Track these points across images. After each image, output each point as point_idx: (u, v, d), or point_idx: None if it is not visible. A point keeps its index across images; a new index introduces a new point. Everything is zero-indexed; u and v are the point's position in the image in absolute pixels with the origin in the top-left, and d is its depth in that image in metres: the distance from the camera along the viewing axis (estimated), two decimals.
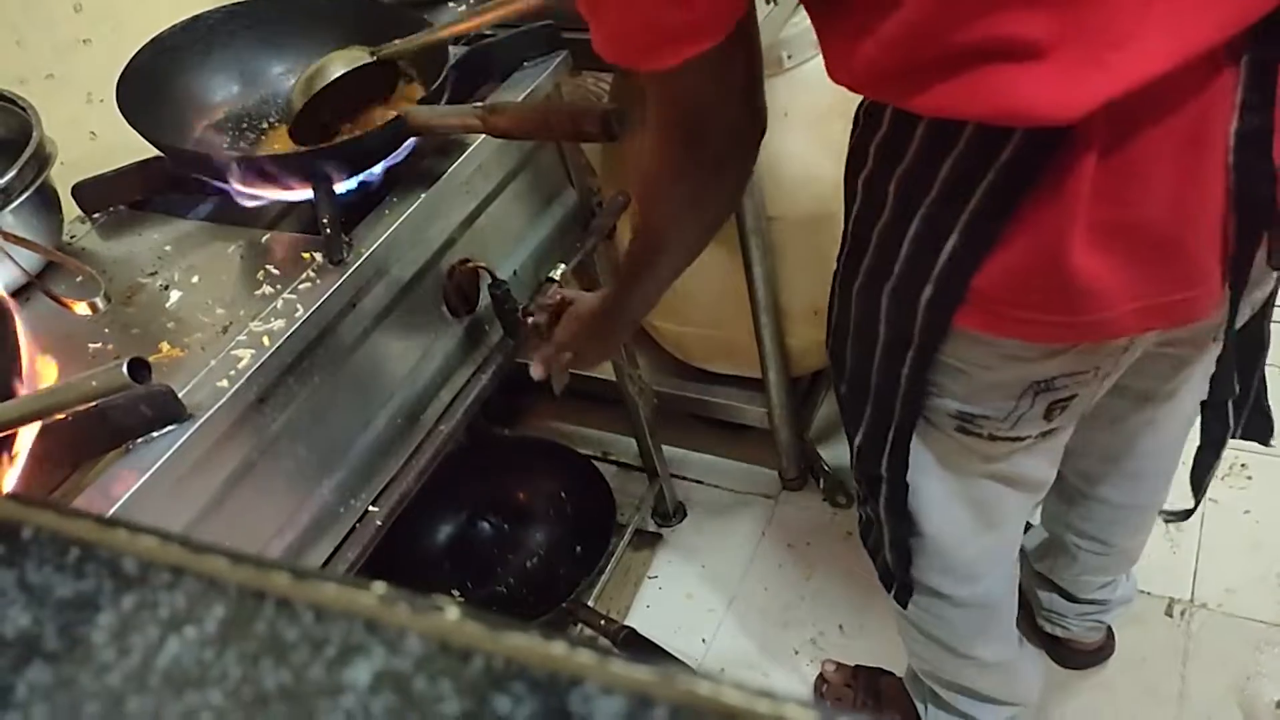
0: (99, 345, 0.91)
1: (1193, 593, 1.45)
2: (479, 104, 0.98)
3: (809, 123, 1.34)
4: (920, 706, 1.30)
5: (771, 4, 1.16)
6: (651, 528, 1.70)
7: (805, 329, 1.51)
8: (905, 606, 1.07)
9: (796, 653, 1.50)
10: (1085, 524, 1.20)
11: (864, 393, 0.89)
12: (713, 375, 1.66)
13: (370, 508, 0.99)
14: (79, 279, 0.96)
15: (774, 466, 1.71)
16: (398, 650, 0.17)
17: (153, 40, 1.07)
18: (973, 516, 0.97)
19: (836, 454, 1.73)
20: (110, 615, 0.19)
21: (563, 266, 1.13)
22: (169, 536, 0.19)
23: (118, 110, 0.98)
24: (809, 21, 1.31)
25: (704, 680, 0.14)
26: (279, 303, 0.89)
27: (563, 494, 1.63)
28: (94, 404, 0.67)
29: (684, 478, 1.76)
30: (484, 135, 1.03)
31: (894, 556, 1.02)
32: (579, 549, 1.56)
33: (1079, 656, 1.39)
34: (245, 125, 1.13)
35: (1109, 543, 1.21)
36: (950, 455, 0.91)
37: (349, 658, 0.17)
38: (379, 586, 0.18)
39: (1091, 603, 1.31)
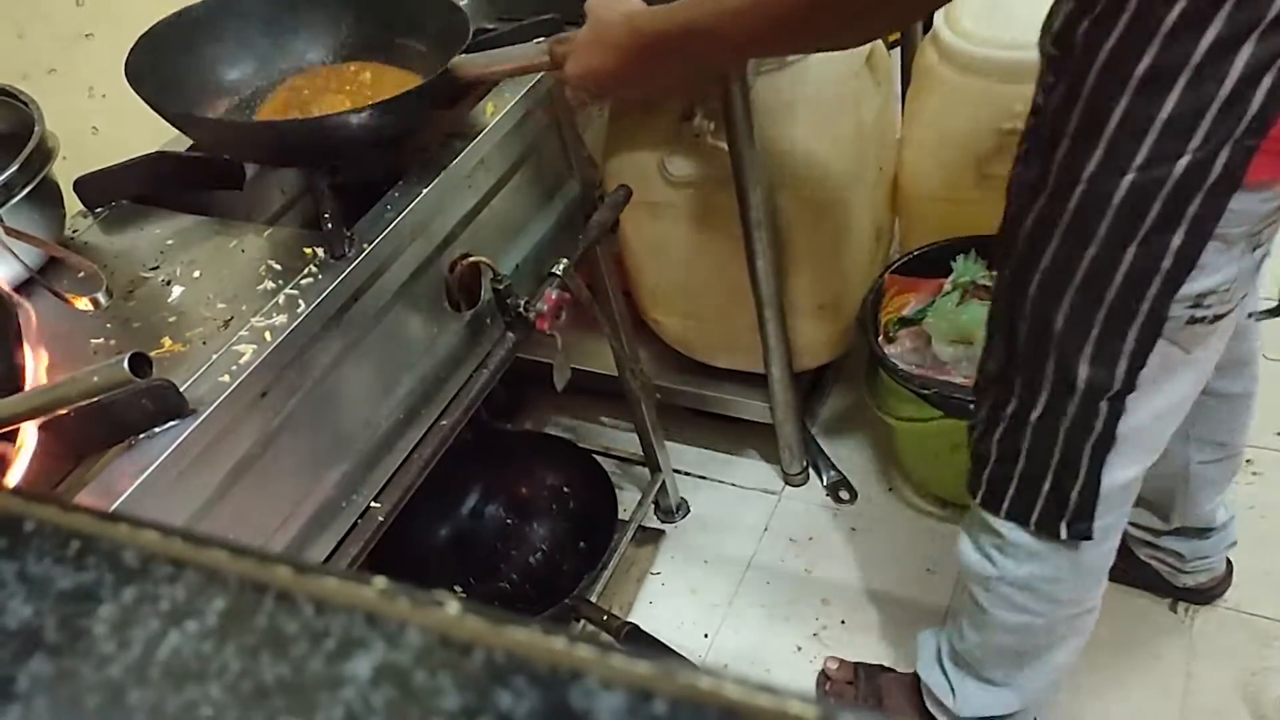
0: (101, 340, 0.91)
1: None
2: (543, 39, 0.96)
3: (815, 115, 1.33)
4: (947, 691, 1.28)
5: None
6: (654, 523, 1.70)
7: (809, 323, 1.51)
8: (1091, 536, 1.04)
9: (799, 648, 1.50)
10: (1203, 428, 1.22)
11: (1089, 315, 0.85)
12: (716, 370, 1.66)
13: (373, 503, 0.99)
14: (81, 274, 0.96)
15: (777, 462, 1.71)
16: (398, 644, 0.16)
17: (166, 19, 1.05)
18: (1161, 432, 0.97)
19: (840, 449, 1.73)
20: (111, 607, 0.19)
21: (565, 261, 1.13)
22: (170, 530, 0.19)
23: (125, 95, 0.97)
24: None
25: (705, 675, 0.14)
26: (281, 298, 0.89)
27: (565, 489, 1.63)
28: (96, 399, 0.67)
29: (687, 473, 1.76)
30: (490, 126, 1.03)
31: (1087, 484, 0.99)
32: (582, 544, 1.56)
33: (1210, 592, 1.43)
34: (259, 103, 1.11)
35: (1225, 443, 1.24)
36: (1168, 360, 0.89)
37: (349, 651, 0.17)
38: (380, 580, 0.17)
39: (1221, 528, 1.35)
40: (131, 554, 0.19)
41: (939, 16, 1.53)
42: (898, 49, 1.92)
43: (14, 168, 0.92)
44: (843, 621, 1.51)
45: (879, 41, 1.50)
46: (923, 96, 1.55)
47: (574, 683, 0.15)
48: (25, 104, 0.99)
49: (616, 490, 1.56)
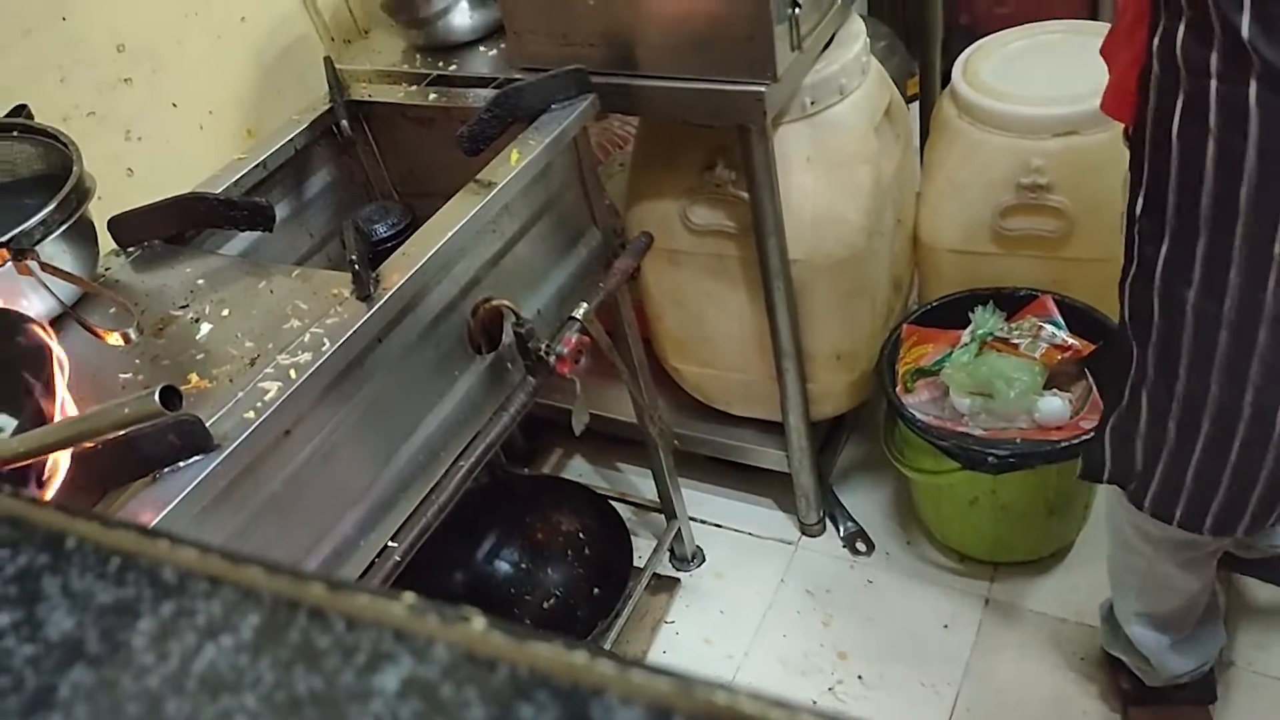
0: (129, 375, 0.92)
1: (1221, 651, 1.42)
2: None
3: (832, 167, 1.35)
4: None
5: (796, 50, 1.18)
6: (669, 571, 1.69)
7: (826, 372, 1.52)
8: None
9: (814, 702, 1.48)
10: None
11: None
12: (733, 418, 1.66)
13: (389, 543, 0.99)
14: (112, 310, 0.98)
15: (793, 511, 1.70)
16: (425, 658, 0.17)
17: None
18: None
19: (857, 500, 1.72)
20: (150, 621, 0.19)
21: (586, 305, 1.14)
22: (208, 548, 0.20)
23: (160, 138, 0.99)
24: (832, 69, 1.33)
25: (721, 690, 0.15)
26: (306, 336, 0.90)
27: (581, 535, 1.63)
28: (124, 432, 0.68)
29: (703, 521, 1.75)
30: (514, 173, 1.06)
31: None
32: (596, 591, 1.55)
33: None
34: None
35: None
36: None
37: (378, 665, 0.17)
38: (408, 597, 0.18)
39: None
40: (170, 571, 0.20)
41: (957, 70, 1.55)
42: (916, 103, 1.95)
43: (51, 206, 0.95)
44: (860, 677, 1.50)
45: (897, 94, 1.52)
46: (941, 150, 1.56)
47: (594, 698, 0.16)
48: (65, 145, 1.02)
49: (632, 537, 1.56)
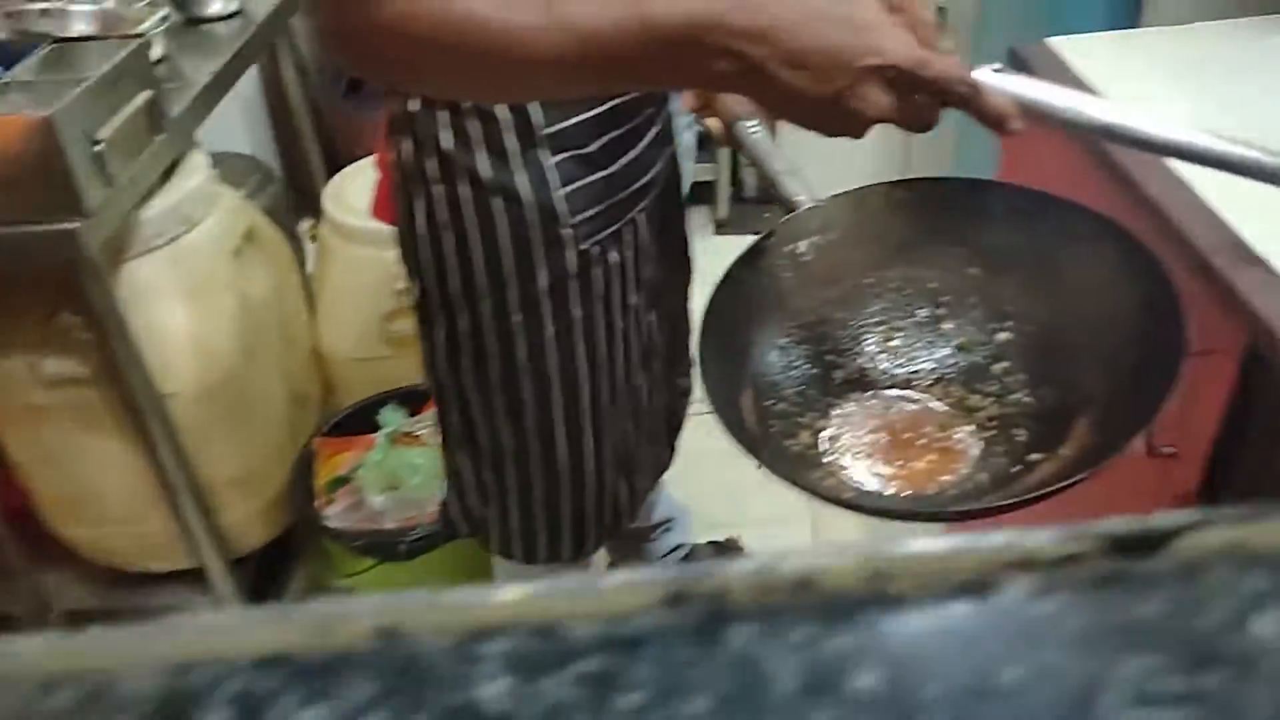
0: None
1: None
2: None
3: (191, 296, 1.34)
4: None
5: (109, 187, 1.16)
6: None
7: (232, 503, 1.47)
8: None
9: None
10: None
11: None
12: (154, 576, 1.53)
13: None
14: None
15: None
16: None
17: None
18: None
19: None
20: None
21: None
22: None
23: None
24: (173, 200, 1.33)
25: None
26: None
27: None
28: None
29: None
30: None
31: None
32: None
33: None
34: None
35: None
36: None
37: None
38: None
39: None
40: None
41: (327, 195, 1.64)
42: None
43: None
44: None
45: (261, 220, 1.56)
46: (326, 268, 1.63)
47: None
48: None
49: None
